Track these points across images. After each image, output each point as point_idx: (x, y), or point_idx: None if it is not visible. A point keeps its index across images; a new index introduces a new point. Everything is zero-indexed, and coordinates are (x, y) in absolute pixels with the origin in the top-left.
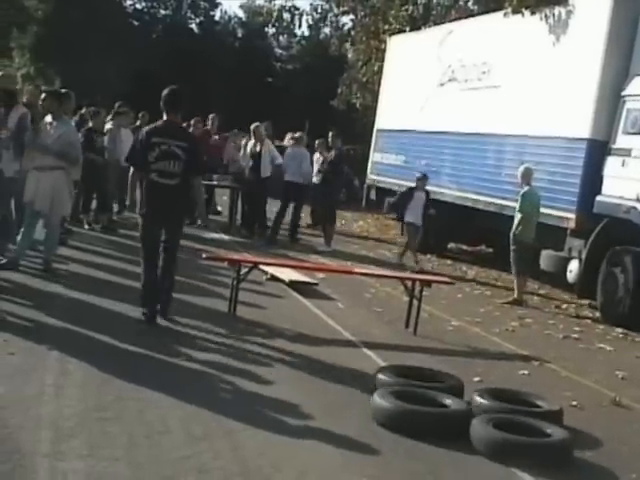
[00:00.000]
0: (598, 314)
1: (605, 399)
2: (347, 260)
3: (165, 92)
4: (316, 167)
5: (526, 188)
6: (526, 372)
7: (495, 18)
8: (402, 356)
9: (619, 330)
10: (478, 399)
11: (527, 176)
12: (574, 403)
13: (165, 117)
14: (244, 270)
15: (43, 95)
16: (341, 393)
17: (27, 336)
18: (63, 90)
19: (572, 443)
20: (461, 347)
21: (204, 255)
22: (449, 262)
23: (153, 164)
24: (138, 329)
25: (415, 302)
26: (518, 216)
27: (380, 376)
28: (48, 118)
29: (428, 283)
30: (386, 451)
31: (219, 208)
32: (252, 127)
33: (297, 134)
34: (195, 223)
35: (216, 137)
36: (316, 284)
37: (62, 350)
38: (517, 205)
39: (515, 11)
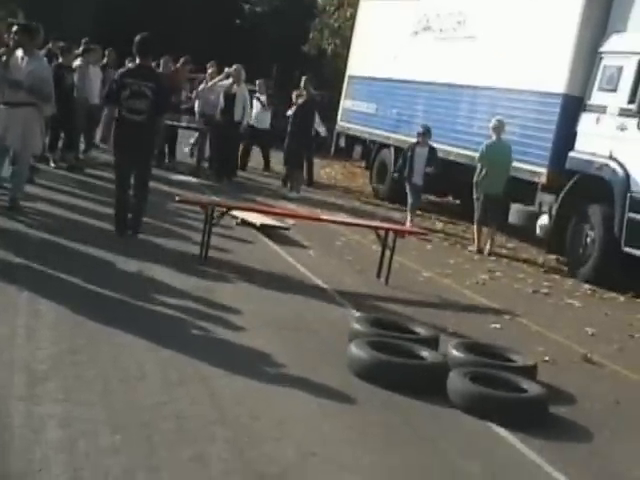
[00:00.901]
0: (566, 269)
1: (576, 355)
2: (316, 207)
3: (137, 39)
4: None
5: (490, 140)
6: (498, 326)
7: None
8: (375, 306)
9: (587, 286)
10: (454, 352)
11: (498, 129)
12: (546, 358)
13: (137, 61)
14: (216, 214)
15: (14, 29)
16: (316, 342)
17: None
18: (33, 23)
19: (548, 399)
20: (432, 299)
21: (177, 198)
22: (418, 212)
23: (124, 102)
24: (108, 271)
25: (387, 252)
26: (478, 167)
27: (355, 326)
28: (19, 52)
29: (402, 234)
30: (362, 401)
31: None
32: (233, 68)
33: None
34: (162, 164)
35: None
36: (287, 229)
37: (32, 291)
38: (477, 155)
39: None
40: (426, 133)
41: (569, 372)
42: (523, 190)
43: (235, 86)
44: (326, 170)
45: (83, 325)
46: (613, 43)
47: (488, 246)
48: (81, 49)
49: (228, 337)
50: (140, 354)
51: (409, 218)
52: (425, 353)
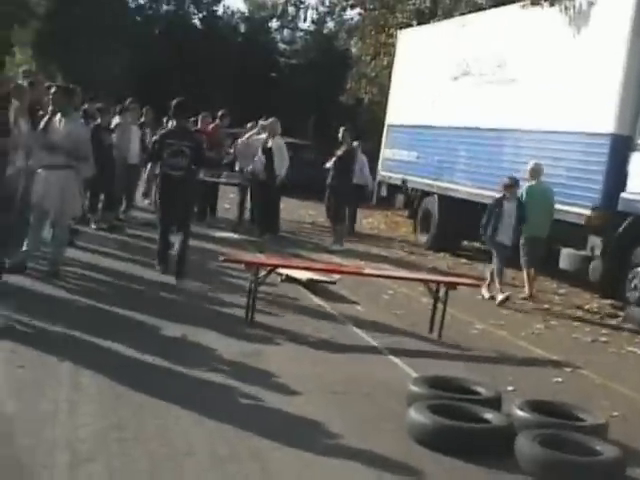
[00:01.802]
0: (623, 315)
1: None
2: (360, 259)
3: (174, 103)
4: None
5: (531, 182)
6: (559, 379)
7: (512, 10)
8: (430, 363)
9: None
10: (519, 412)
11: (536, 172)
12: (615, 414)
13: (175, 122)
14: (262, 273)
15: (52, 90)
16: (372, 406)
17: (36, 346)
18: (71, 85)
19: (624, 461)
20: (488, 353)
21: (221, 258)
22: (464, 261)
23: (166, 160)
24: (152, 336)
25: (439, 305)
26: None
27: (413, 388)
28: (57, 115)
29: (454, 285)
30: (426, 471)
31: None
32: (268, 121)
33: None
34: (203, 220)
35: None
36: (334, 283)
37: (74, 361)
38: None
39: (534, 3)
40: (514, 185)
41: None
42: (573, 234)
43: (270, 140)
44: (368, 220)
45: (127, 397)
46: None
47: (527, 289)
48: (119, 108)
49: (278, 404)
50: (187, 427)
51: (497, 286)
52: (489, 415)
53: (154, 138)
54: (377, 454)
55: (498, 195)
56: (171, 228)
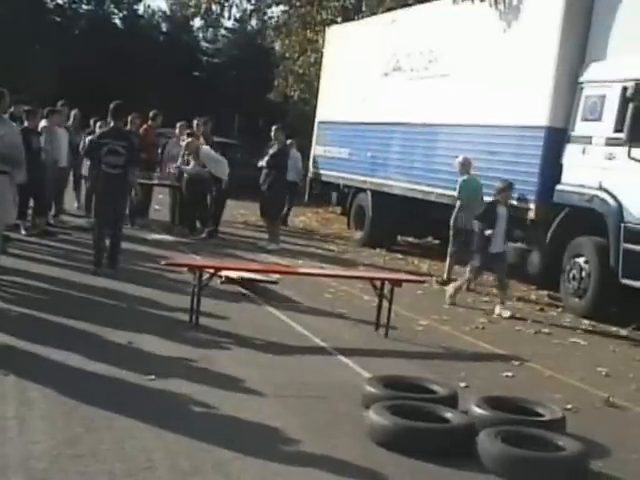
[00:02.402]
0: (561, 305)
1: (596, 399)
2: (297, 258)
3: (111, 106)
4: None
5: (465, 176)
6: (509, 374)
7: (443, 5)
8: (380, 362)
9: (586, 322)
10: (477, 409)
11: (466, 166)
12: (568, 406)
13: (112, 123)
14: (205, 276)
15: None
16: (327, 409)
17: None
18: None
19: (588, 455)
20: (436, 349)
21: (163, 261)
22: (400, 256)
23: (103, 158)
24: (97, 345)
25: (385, 303)
26: (457, 203)
27: (368, 389)
28: None
29: (399, 283)
30: (389, 473)
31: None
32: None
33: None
34: (134, 224)
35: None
36: (275, 282)
37: (18, 374)
38: (456, 193)
39: None
40: (507, 189)
41: (595, 419)
42: (511, 227)
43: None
44: (300, 218)
45: (78, 410)
46: (593, 72)
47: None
48: (46, 111)
49: (233, 411)
50: (144, 440)
51: (500, 302)
52: (449, 414)
53: (89, 138)
54: (339, 458)
55: (489, 199)
56: (106, 225)
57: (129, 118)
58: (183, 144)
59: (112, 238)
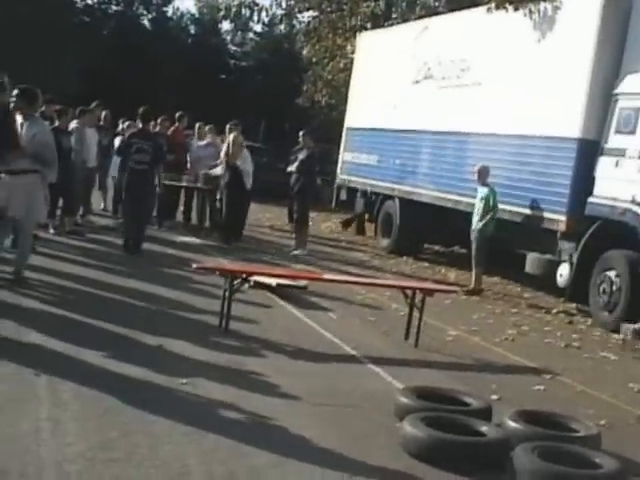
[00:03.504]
0: (590, 319)
1: (630, 416)
2: (324, 264)
3: (140, 110)
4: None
5: (487, 186)
6: (541, 387)
7: (475, 14)
8: (411, 372)
9: (616, 336)
10: (512, 424)
11: (486, 174)
12: (602, 423)
13: (140, 125)
14: (236, 281)
15: (15, 92)
16: (361, 418)
17: (10, 359)
18: (32, 88)
19: (625, 474)
20: (467, 360)
21: (194, 265)
22: (426, 264)
23: (132, 156)
24: (128, 347)
25: (415, 313)
26: (489, 213)
27: (402, 399)
28: (18, 118)
29: (431, 292)
30: None
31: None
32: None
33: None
34: (162, 226)
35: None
36: (304, 288)
37: (51, 374)
38: (491, 202)
39: (498, 6)
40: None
41: (629, 436)
42: (541, 238)
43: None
44: (327, 224)
45: (112, 413)
46: (628, 84)
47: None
48: (77, 111)
49: (266, 418)
50: (180, 445)
51: None
52: (484, 428)
53: (120, 139)
54: (374, 469)
55: None
56: (133, 216)
57: (158, 120)
58: (230, 139)
59: (137, 226)
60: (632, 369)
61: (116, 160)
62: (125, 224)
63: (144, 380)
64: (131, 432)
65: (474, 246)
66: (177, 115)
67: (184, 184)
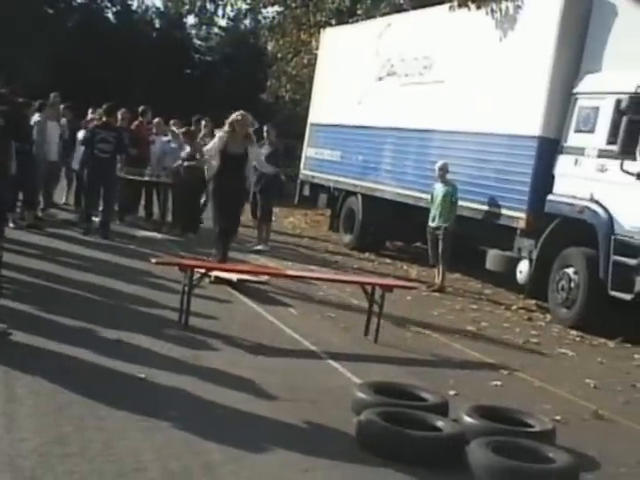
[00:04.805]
0: (549, 315)
1: (585, 411)
2: (286, 260)
3: (104, 106)
4: None
5: (448, 183)
6: (498, 383)
7: (438, 11)
8: (369, 368)
9: (574, 333)
10: (468, 419)
11: (446, 171)
12: (557, 418)
13: (104, 119)
14: (196, 276)
15: None
16: (319, 413)
17: None
18: None
19: (578, 468)
20: (426, 356)
21: (153, 260)
22: (388, 261)
23: (96, 145)
24: (86, 341)
25: (375, 309)
26: (455, 207)
27: (359, 394)
28: None
29: (390, 288)
30: None
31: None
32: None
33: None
34: (123, 221)
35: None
36: (265, 283)
37: (7, 369)
38: (452, 199)
39: (461, 4)
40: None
41: (584, 432)
42: (501, 235)
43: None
44: (289, 220)
45: (68, 408)
46: (587, 84)
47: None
48: (38, 104)
49: (223, 414)
50: (135, 440)
51: None
52: (440, 423)
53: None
54: (330, 464)
55: None
56: (97, 204)
57: (119, 114)
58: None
59: (103, 213)
60: (589, 365)
61: (78, 154)
62: (87, 210)
63: (101, 374)
64: (86, 427)
65: (443, 244)
66: (140, 109)
67: (146, 179)
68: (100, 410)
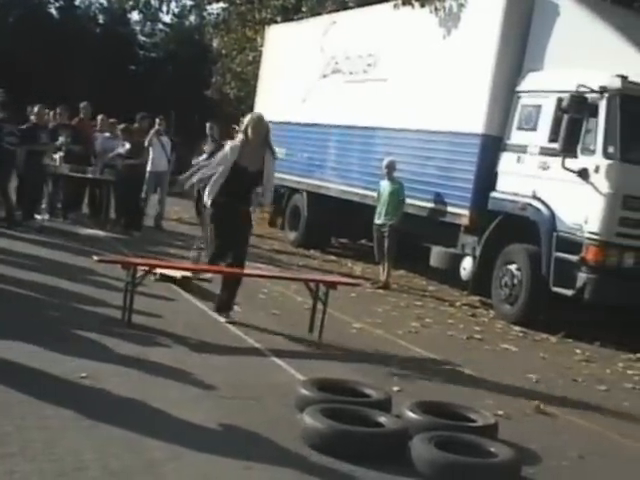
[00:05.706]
0: (492, 311)
1: (527, 406)
2: None
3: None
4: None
5: (395, 180)
6: (442, 378)
7: (382, 9)
8: (313, 365)
9: (517, 328)
10: (410, 414)
11: (393, 168)
12: (500, 412)
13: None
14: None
15: None
16: (262, 410)
17: None
18: None
19: (520, 462)
20: (370, 352)
21: (95, 258)
22: (333, 258)
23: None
24: (25, 342)
25: (320, 306)
26: (401, 205)
27: (302, 391)
28: None
29: (334, 285)
30: (322, 477)
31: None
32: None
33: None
34: (66, 218)
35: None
36: (209, 281)
37: None
38: (400, 196)
39: (405, 2)
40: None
41: (526, 426)
42: (444, 232)
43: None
44: None
45: (8, 407)
46: (530, 82)
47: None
48: None
49: (167, 412)
50: (76, 440)
51: None
52: (383, 419)
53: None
54: (273, 460)
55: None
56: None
57: (57, 109)
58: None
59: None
60: (531, 360)
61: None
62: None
63: (42, 373)
64: (26, 427)
65: (388, 241)
66: (81, 106)
67: (89, 176)
68: (42, 409)
